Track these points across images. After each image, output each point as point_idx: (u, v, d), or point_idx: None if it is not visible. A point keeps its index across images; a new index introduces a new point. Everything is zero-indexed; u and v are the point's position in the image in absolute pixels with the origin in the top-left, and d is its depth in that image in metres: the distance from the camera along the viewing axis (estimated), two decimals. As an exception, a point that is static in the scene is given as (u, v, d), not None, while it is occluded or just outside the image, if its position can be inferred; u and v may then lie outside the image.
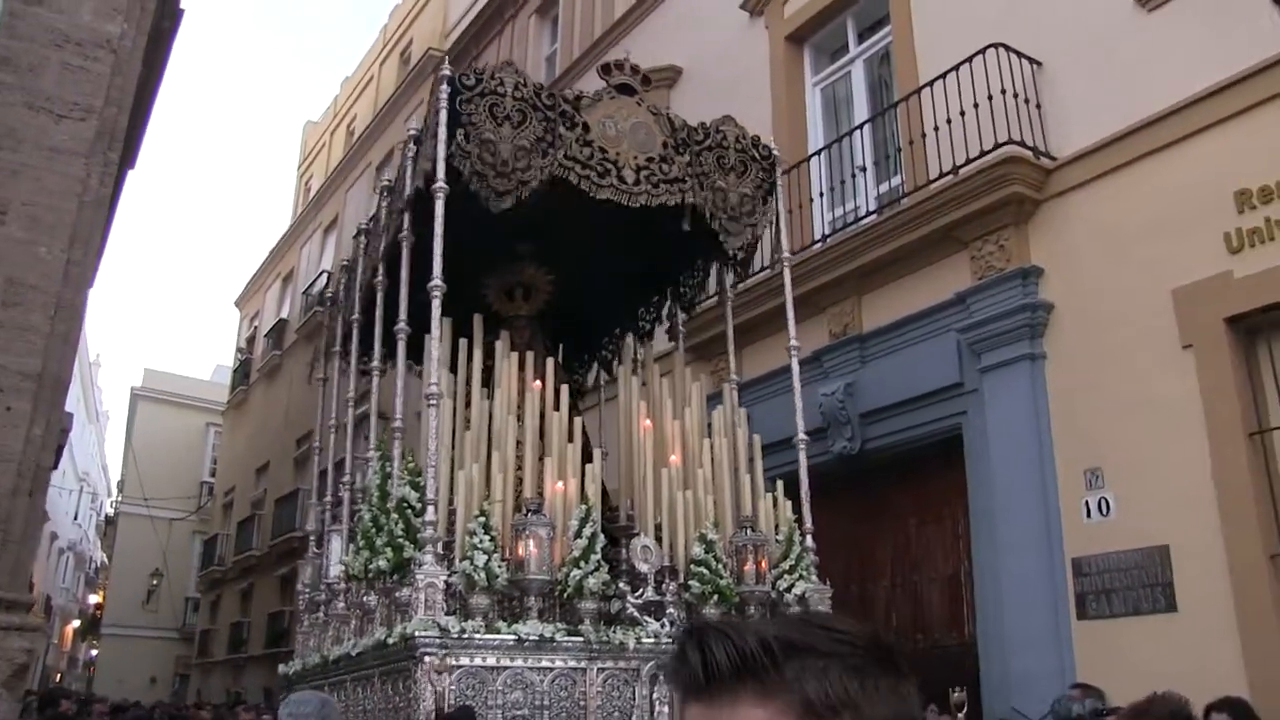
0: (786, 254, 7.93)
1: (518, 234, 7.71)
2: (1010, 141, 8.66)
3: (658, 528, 6.71)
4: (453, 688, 5.37)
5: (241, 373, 32.07)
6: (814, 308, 9.87)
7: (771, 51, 12.23)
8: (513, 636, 5.55)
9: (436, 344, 6.20)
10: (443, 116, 6.28)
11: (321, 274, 25.67)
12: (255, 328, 32.22)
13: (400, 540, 6.02)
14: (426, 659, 5.35)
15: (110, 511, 39.16)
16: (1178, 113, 7.86)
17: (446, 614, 5.49)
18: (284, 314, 29.12)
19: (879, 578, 9.78)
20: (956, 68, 9.10)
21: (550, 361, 7.31)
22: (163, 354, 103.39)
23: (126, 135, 7.12)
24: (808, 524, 7.05)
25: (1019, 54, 8.99)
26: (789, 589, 6.72)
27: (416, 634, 5.34)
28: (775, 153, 7.77)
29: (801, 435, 7.36)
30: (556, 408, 6.89)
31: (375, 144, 24.29)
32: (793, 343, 7.68)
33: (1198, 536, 7.21)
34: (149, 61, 8.90)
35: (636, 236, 7.84)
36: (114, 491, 40.35)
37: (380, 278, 7.48)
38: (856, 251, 9.67)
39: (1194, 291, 7.54)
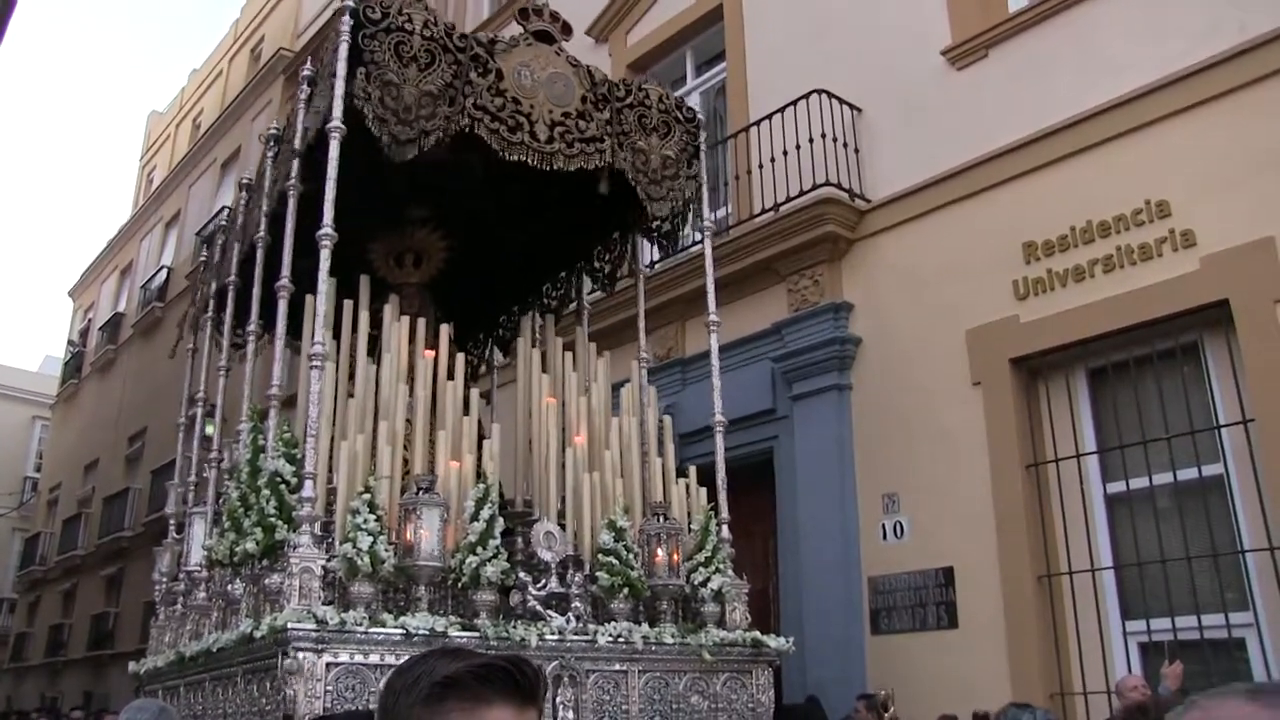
0: (707, 223, 7.43)
1: (411, 195, 7.12)
2: (828, 183, 9.18)
3: (560, 514, 6.14)
4: (330, 688, 4.71)
5: (73, 365, 31.00)
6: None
7: (613, 78, 12.58)
8: (400, 631, 4.93)
9: (323, 299, 5.48)
10: (342, 51, 5.69)
11: (161, 269, 25.16)
12: (90, 320, 31.21)
13: (272, 520, 5.32)
14: (300, 655, 4.67)
15: (-80, 505, 37.42)
16: (978, 166, 8.47)
17: (324, 604, 4.85)
18: (121, 307, 28.34)
19: (694, 590, 10.13)
20: (782, 109, 9.60)
21: (444, 328, 6.64)
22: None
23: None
24: (724, 513, 6.57)
25: (840, 100, 9.55)
26: (704, 583, 6.22)
27: (289, 626, 4.66)
28: (700, 116, 7.37)
29: (719, 417, 6.79)
30: (451, 377, 6.22)
31: (222, 140, 23.92)
32: (712, 317, 7.08)
33: (978, 559, 7.81)
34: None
35: (546, 206, 7.30)
36: (-75, 484, 38.55)
37: (262, 234, 6.61)
38: (683, 279, 9.96)
39: (984, 333, 8.15)
